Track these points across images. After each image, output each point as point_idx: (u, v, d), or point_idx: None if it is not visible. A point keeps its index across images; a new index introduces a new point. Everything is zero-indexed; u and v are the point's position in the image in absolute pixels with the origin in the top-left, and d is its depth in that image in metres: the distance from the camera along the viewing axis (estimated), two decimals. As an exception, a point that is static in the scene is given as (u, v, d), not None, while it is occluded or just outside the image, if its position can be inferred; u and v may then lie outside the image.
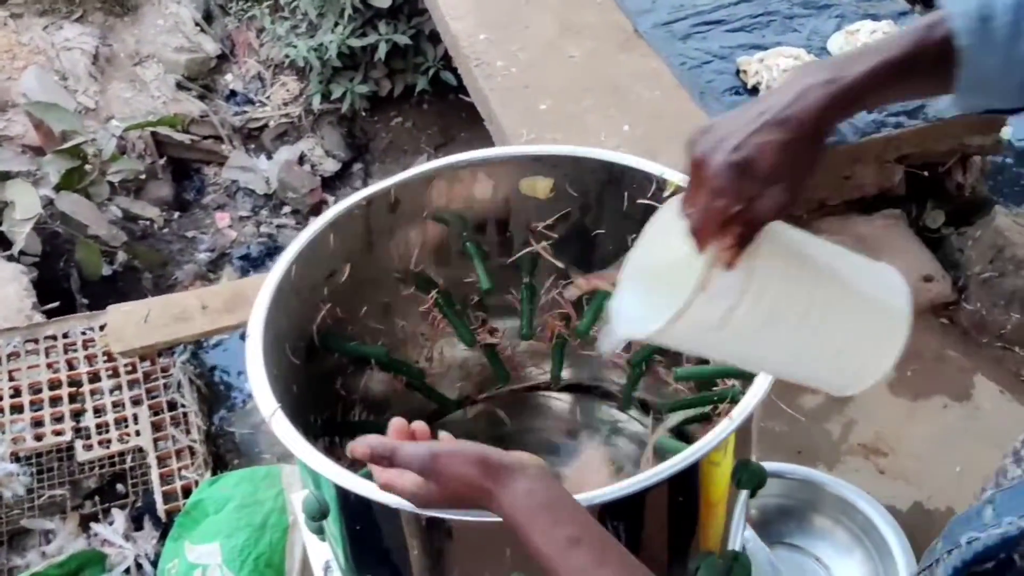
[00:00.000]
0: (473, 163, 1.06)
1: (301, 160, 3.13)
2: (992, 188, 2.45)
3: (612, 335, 0.67)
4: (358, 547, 0.86)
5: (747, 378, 0.97)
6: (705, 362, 1.04)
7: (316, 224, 0.99)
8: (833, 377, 0.68)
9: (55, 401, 1.88)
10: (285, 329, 0.94)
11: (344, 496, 0.77)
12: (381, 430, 1.14)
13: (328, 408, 1.08)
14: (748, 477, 0.85)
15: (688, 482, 0.77)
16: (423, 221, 1.08)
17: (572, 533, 0.61)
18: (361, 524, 0.82)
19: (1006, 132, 2.34)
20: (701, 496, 0.83)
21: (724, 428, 0.75)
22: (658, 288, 0.65)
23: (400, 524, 0.77)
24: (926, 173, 2.24)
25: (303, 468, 0.82)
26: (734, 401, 1.01)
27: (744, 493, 0.90)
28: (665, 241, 0.67)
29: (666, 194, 0.99)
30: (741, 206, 0.61)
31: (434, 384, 1.19)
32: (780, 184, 0.62)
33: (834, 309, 0.64)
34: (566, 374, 1.24)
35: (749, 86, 2.22)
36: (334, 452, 1.07)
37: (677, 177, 0.99)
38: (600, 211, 1.09)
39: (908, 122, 2.13)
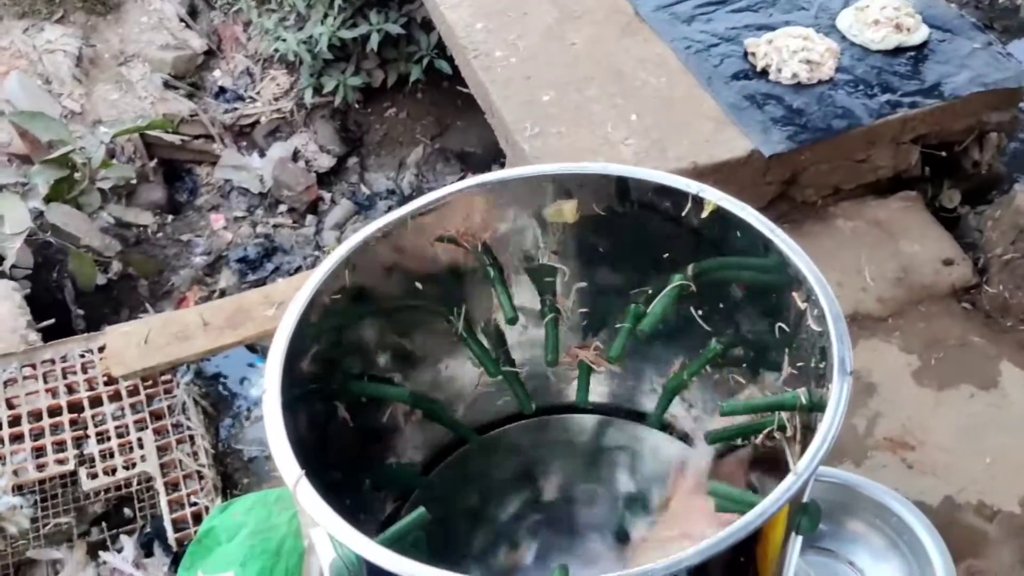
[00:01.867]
0: (492, 186, 1.00)
1: (295, 156, 3.05)
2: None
3: None
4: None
5: (794, 410, 0.92)
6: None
7: (330, 261, 0.92)
8: None
9: (56, 428, 1.82)
10: (301, 377, 0.88)
11: (375, 570, 0.71)
12: (406, 475, 1.09)
13: (345, 448, 1.02)
14: (807, 522, 0.80)
15: (747, 541, 0.71)
16: (442, 248, 1.02)
17: None
18: (396, 595, 0.76)
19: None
20: (759, 548, 0.77)
21: (790, 485, 0.69)
22: None
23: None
24: (943, 153, 2.18)
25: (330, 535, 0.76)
26: (781, 428, 0.96)
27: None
28: None
29: (704, 214, 0.92)
30: None
31: (455, 413, 1.13)
32: None
33: None
34: (592, 395, 1.18)
35: (758, 69, 2.16)
36: (357, 497, 1.01)
37: (714, 195, 0.92)
38: (629, 229, 1.02)
39: (924, 101, 2.06)
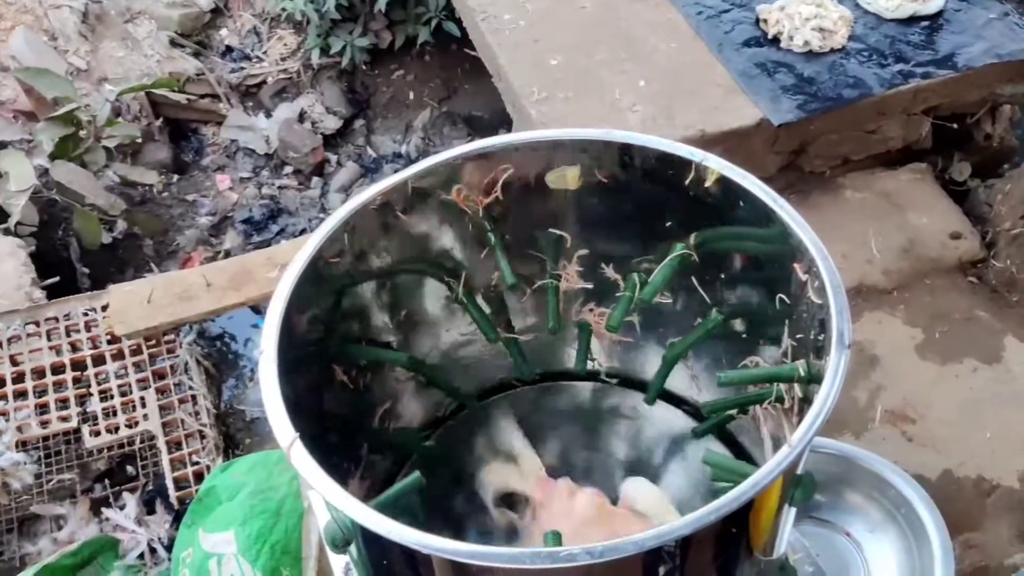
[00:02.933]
0: (494, 150, 0.99)
1: (301, 118, 3.03)
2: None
3: None
4: (386, 579, 0.80)
5: (792, 381, 0.91)
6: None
7: (328, 224, 0.91)
8: None
9: (59, 386, 1.83)
10: (299, 340, 0.88)
11: (369, 533, 0.71)
12: (407, 441, 1.09)
13: (343, 411, 1.02)
14: (801, 494, 0.79)
15: (739, 513, 0.71)
16: (443, 211, 1.01)
17: None
18: (388, 559, 0.77)
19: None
20: (751, 521, 0.77)
21: (784, 457, 0.69)
22: None
23: (432, 565, 0.72)
24: (955, 125, 2.15)
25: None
26: (779, 400, 0.96)
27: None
28: None
29: (708, 183, 0.91)
30: None
31: (453, 379, 1.13)
32: None
33: None
34: (591, 363, 1.18)
35: (770, 36, 2.13)
36: (354, 460, 1.02)
37: (717, 164, 0.91)
38: (631, 197, 1.01)
39: (937, 72, 2.04)
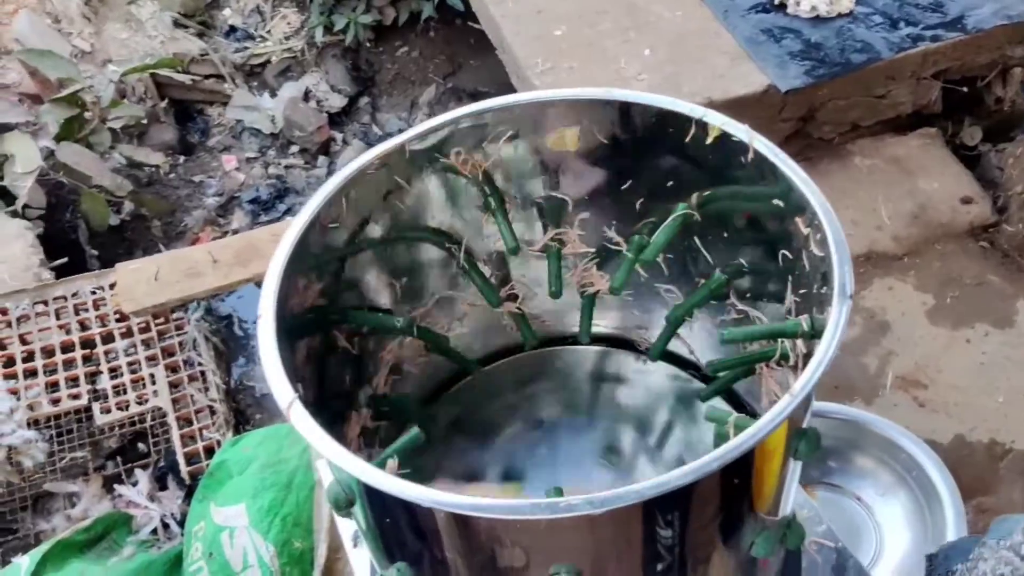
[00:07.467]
0: (492, 112, 0.98)
1: (306, 96, 3.02)
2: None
3: None
4: (388, 538, 0.80)
5: (795, 337, 0.91)
6: (752, 323, 0.97)
7: (326, 189, 0.91)
8: None
9: (69, 364, 1.83)
10: (298, 306, 0.87)
11: (372, 491, 0.71)
12: (404, 404, 1.09)
13: (346, 379, 1.02)
14: (805, 448, 0.79)
15: (741, 464, 0.71)
16: (442, 176, 1.00)
17: None
18: (391, 517, 0.77)
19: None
20: (754, 474, 0.76)
21: (784, 406, 0.68)
22: None
23: (434, 520, 0.72)
24: (965, 89, 2.13)
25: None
26: (784, 357, 0.95)
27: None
28: None
29: (708, 140, 0.90)
30: None
31: (457, 346, 1.13)
32: None
33: None
34: (595, 327, 1.18)
35: (776, 1, 2.11)
36: (357, 426, 1.02)
37: (717, 120, 0.90)
38: (632, 158, 1.00)
39: (946, 35, 2.01)
